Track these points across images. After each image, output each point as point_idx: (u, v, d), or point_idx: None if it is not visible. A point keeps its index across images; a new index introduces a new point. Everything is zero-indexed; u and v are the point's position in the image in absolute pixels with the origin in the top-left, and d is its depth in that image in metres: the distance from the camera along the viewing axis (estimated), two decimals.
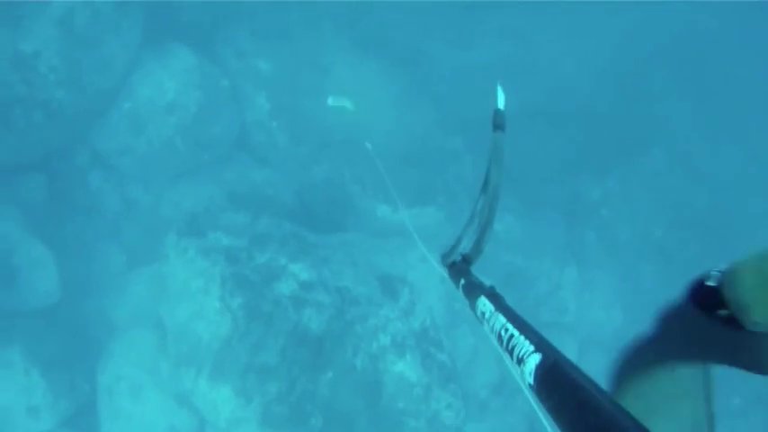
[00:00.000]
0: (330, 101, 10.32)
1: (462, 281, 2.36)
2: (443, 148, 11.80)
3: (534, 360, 1.51)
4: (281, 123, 11.05)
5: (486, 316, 1.95)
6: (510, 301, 2.01)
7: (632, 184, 13.06)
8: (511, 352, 1.66)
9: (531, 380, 1.49)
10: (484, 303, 2.03)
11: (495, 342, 1.81)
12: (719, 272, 1.56)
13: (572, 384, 1.35)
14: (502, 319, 1.82)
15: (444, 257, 2.63)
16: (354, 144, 10.85)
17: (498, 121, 2.57)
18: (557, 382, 1.40)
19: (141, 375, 9.03)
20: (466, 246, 2.48)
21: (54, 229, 9.83)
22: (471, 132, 11.89)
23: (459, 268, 2.48)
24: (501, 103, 2.59)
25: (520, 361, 1.58)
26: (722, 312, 1.55)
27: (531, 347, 1.56)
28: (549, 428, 1.41)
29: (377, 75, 11.90)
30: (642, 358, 1.91)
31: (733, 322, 1.52)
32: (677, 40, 13.64)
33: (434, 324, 9.58)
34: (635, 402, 1.84)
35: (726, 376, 1.70)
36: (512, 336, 1.69)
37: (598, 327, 11.99)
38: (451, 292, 10.06)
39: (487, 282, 2.18)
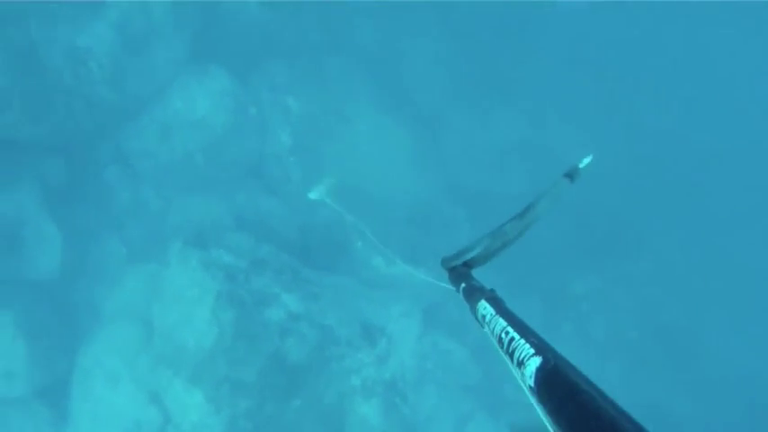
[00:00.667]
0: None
1: (463, 284, 2.43)
2: (446, 214, 12.47)
3: (535, 363, 1.56)
4: (298, 160, 11.72)
5: (487, 319, 2.02)
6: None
7: (615, 285, 13.64)
8: (511, 355, 1.71)
9: (531, 382, 1.54)
10: (484, 307, 2.10)
11: (495, 345, 1.87)
12: None
13: (572, 387, 1.41)
14: (502, 322, 1.88)
15: (446, 261, 2.70)
16: (360, 193, 11.56)
17: (573, 174, 2.69)
18: (557, 384, 1.45)
19: (119, 366, 9.47)
20: (471, 255, 2.57)
21: (65, 211, 10.40)
22: (474, 205, 12.60)
23: (460, 272, 2.57)
24: (584, 164, 2.71)
25: (520, 364, 1.63)
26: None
27: (532, 350, 1.62)
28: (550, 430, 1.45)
29: (395, 133, 12.61)
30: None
31: None
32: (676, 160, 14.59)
33: (404, 377, 10.10)
34: None
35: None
36: (512, 339, 1.75)
37: None
38: (425, 350, 10.69)
39: (488, 286, 2.28)
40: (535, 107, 14.14)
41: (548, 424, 1.46)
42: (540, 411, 1.51)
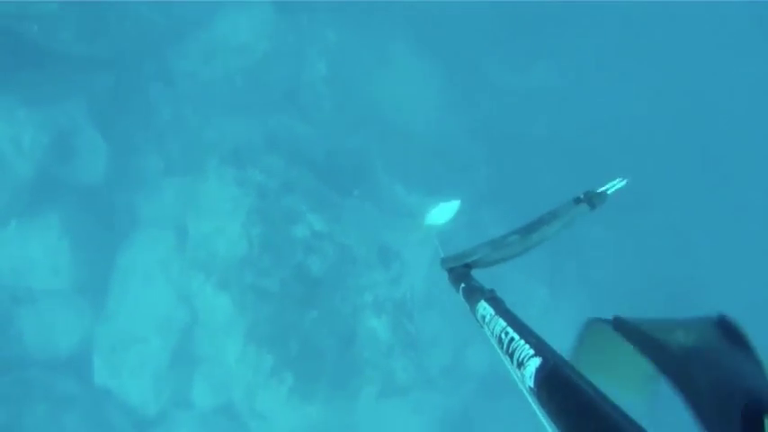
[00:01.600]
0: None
1: (462, 285, 2.44)
2: (468, 152, 13.31)
3: (534, 363, 1.57)
4: (332, 91, 12.56)
5: (487, 320, 2.04)
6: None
7: (624, 234, 14.33)
8: (511, 355, 1.73)
9: (531, 383, 1.55)
10: (484, 307, 2.11)
11: (495, 345, 1.89)
12: None
13: (572, 387, 1.42)
14: (502, 322, 1.90)
15: (445, 261, 2.74)
16: (386, 124, 12.44)
17: (595, 199, 2.63)
18: (557, 385, 1.46)
19: (155, 267, 10.56)
20: (473, 258, 2.61)
21: (111, 123, 11.36)
22: (496, 147, 13.39)
23: (460, 273, 2.58)
24: (612, 188, 2.66)
25: (520, 364, 1.64)
26: None
27: (532, 351, 1.63)
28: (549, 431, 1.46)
29: (430, 73, 13.36)
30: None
31: None
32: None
33: (412, 299, 11.11)
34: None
35: None
36: (512, 339, 1.76)
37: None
38: (436, 276, 11.65)
39: (487, 286, 2.30)
40: (571, 63, 14.63)
41: (547, 425, 1.49)
42: (539, 412, 1.55)
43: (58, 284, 10.62)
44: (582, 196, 2.63)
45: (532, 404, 1.58)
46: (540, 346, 1.65)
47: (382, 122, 12.64)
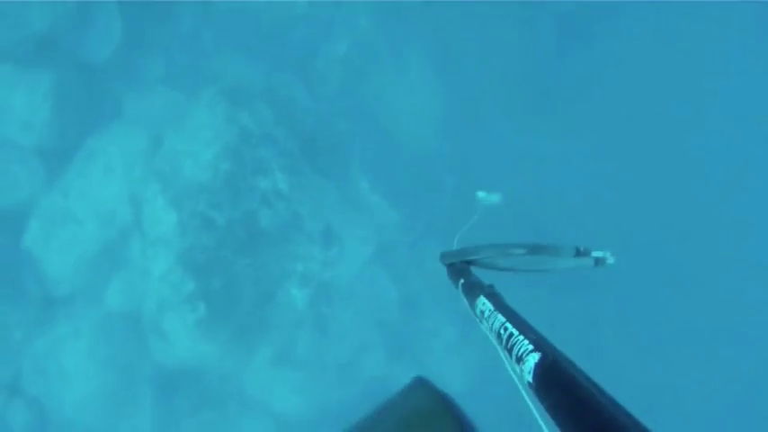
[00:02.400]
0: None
1: (462, 280, 2.51)
2: (440, 179, 13.99)
3: (533, 359, 1.59)
4: (342, 73, 13.13)
5: (486, 315, 2.07)
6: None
7: None
8: (510, 350, 1.75)
9: (530, 378, 1.58)
10: (483, 302, 2.15)
11: (494, 341, 1.93)
12: None
13: (571, 383, 1.45)
14: (501, 318, 1.93)
15: (445, 257, 2.85)
16: (378, 123, 13.08)
17: (599, 263, 2.74)
18: (556, 380, 1.49)
19: (119, 162, 11.00)
20: (473, 258, 2.69)
21: (134, 11, 11.66)
22: (467, 187, 14.04)
23: (459, 268, 2.67)
24: (611, 260, 2.74)
25: (519, 359, 1.66)
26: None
27: (531, 346, 1.66)
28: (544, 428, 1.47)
29: (439, 98, 14.03)
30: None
31: None
32: None
33: (337, 287, 11.79)
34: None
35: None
36: (511, 335, 1.79)
37: None
38: (363, 277, 12.28)
39: (486, 281, 2.37)
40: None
41: (542, 422, 1.51)
42: (534, 407, 1.57)
43: (24, 140, 11.00)
44: (583, 253, 2.73)
45: (528, 400, 1.63)
46: (539, 342, 1.69)
47: (375, 121, 13.23)
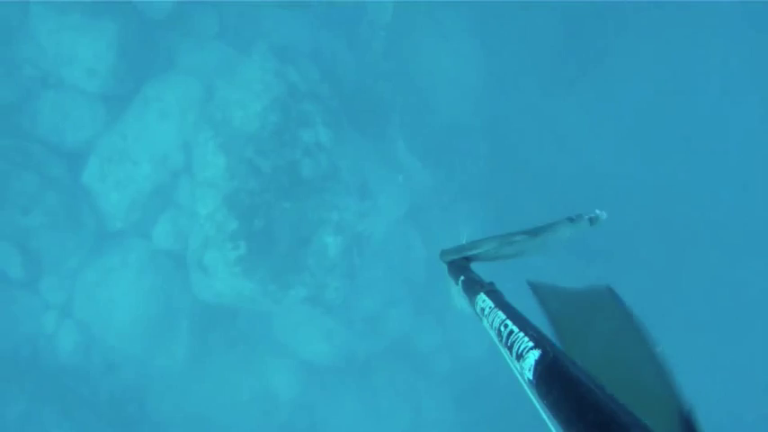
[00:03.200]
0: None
1: (462, 277, 2.51)
2: (476, 144, 14.82)
3: (534, 356, 1.63)
4: (387, 38, 13.95)
5: (486, 312, 2.09)
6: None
7: None
8: (510, 348, 1.79)
9: (530, 375, 1.62)
10: (483, 300, 2.17)
11: (494, 338, 1.95)
12: None
13: (571, 380, 1.48)
14: (501, 315, 1.96)
15: (445, 254, 2.84)
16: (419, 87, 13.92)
17: (593, 220, 2.71)
18: (556, 377, 1.52)
19: (174, 108, 12.00)
20: (473, 253, 2.71)
21: None
22: (503, 152, 14.86)
23: (459, 265, 2.66)
24: (604, 216, 2.72)
25: (519, 357, 1.70)
26: None
27: (531, 343, 1.70)
28: (549, 424, 1.52)
29: (478, 68, 14.84)
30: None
31: None
32: None
33: (368, 240, 12.68)
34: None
35: None
36: (511, 332, 1.83)
37: None
38: (395, 232, 13.16)
39: (486, 279, 2.37)
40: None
41: (547, 418, 1.56)
42: (537, 404, 1.61)
43: (88, 85, 11.97)
44: (576, 216, 2.73)
45: (531, 396, 1.66)
46: (539, 339, 1.70)
47: (415, 85, 14.11)
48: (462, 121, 14.78)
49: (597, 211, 2.74)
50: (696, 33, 16.17)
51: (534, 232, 2.68)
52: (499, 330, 1.92)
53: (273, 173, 11.23)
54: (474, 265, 2.68)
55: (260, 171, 11.20)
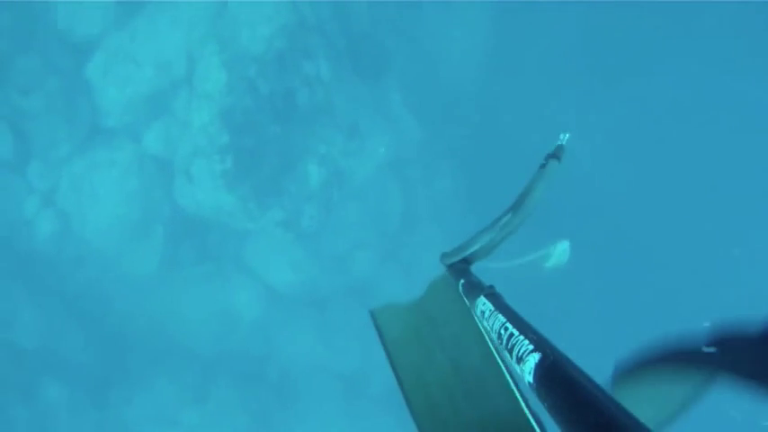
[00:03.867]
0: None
1: (462, 281, 2.51)
2: (467, 114, 15.33)
3: (534, 359, 1.61)
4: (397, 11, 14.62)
5: (486, 315, 2.09)
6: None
7: None
8: (510, 351, 1.77)
9: (530, 378, 1.59)
10: (483, 303, 2.18)
11: (495, 341, 1.95)
12: None
13: (572, 383, 1.46)
14: (501, 318, 1.95)
15: (445, 257, 2.81)
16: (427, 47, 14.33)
17: (558, 153, 2.73)
18: (556, 380, 1.51)
19: (184, 17, 12.45)
20: (471, 251, 2.70)
21: None
22: (493, 128, 15.36)
23: (459, 268, 2.68)
24: (564, 140, 2.73)
25: (519, 360, 1.69)
26: None
27: (531, 346, 1.68)
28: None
29: (493, 46, 15.31)
30: (682, 357, 2.14)
31: None
32: None
33: (348, 180, 13.28)
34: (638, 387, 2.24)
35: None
36: (511, 335, 1.81)
37: None
38: (374, 180, 13.64)
39: (486, 282, 2.37)
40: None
41: (534, 424, 1.59)
42: (527, 409, 1.67)
43: None
44: (544, 161, 2.74)
45: (523, 402, 1.71)
46: (539, 342, 1.70)
47: (422, 45, 14.62)
48: (460, 87, 15.27)
49: (559, 140, 2.78)
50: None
51: (516, 205, 2.70)
52: (499, 333, 1.92)
53: (270, 96, 11.74)
54: (472, 265, 2.72)
55: (258, 92, 11.71)
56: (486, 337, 2.19)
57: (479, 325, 2.24)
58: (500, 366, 2.17)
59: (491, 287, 2.31)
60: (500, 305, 2.09)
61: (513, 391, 2.05)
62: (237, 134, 11.66)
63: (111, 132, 12.68)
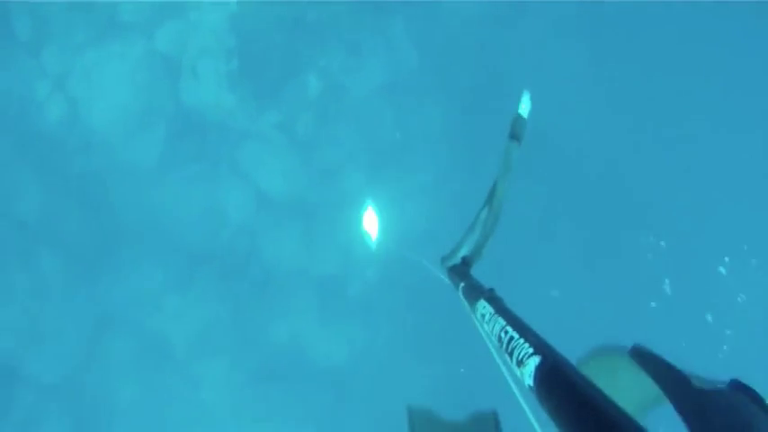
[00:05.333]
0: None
1: (462, 284, 2.65)
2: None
3: (534, 362, 1.69)
4: None
5: (486, 318, 2.20)
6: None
7: None
8: (511, 354, 1.86)
9: (530, 381, 1.67)
10: (484, 306, 2.30)
11: (495, 344, 2.03)
12: None
13: (571, 385, 1.52)
14: (502, 321, 2.05)
15: (445, 260, 2.99)
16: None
17: (517, 130, 2.81)
18: (556, 383, 1.57)
19: None
20: (466, 250, 2.85)
21: None
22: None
23: (459, 271, 2.81)
24: (525, 112, 2.81)
25: (520, 363, 1.77)
26: None
27: (531, 349, 1.76)
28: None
29: None
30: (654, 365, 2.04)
31: None
32: None
33: (342, 98, 14.12)
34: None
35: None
36: (511, 338, 1.91)
37: None
38: (375, 104, 14.45)
39: (486, 285, 2.50)
40: None
41: (536, 425, 1.65)
42: (528, 412, 1.72)
43: None
44: (511, 131, 2.79)
45: (523, 404, 1.77)
46: (539, 345, 1.78)
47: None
48: (466, 31, 15.61)
49: (521, 103, 2.86)
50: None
51: (488, 199, 2.85)
52: (500, 336, 1.97)
53: (281, 4, 12.70)
54: (472, 268, 2.79)
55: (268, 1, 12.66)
56: (487, 340, 2.18)
57: (479, 328, 2.26)
58: None
59: (491, 290, 2.43)
60: (500, 308, 2.21)
61: None
62: (245, 39, 12.58)
63: (126, 27, 13.52)
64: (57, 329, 13.64)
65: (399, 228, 15.36)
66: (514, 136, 2.83)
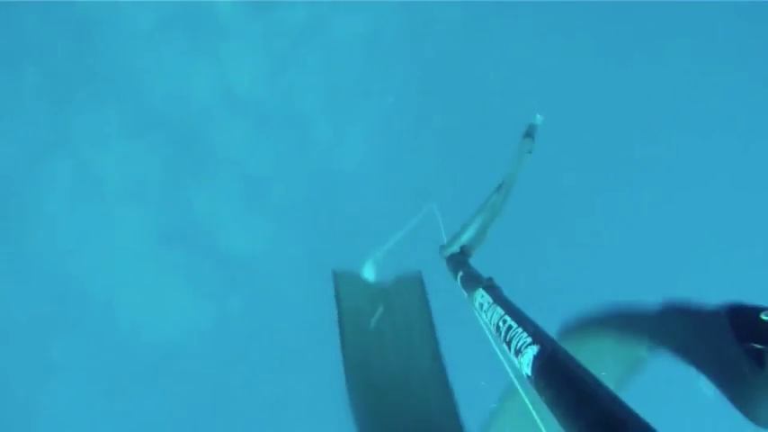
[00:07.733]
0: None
1: (460, 273, 2.69)
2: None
3: (532, 351, 1.70)
4: None
5: (485, 308, 2.22)
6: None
7: None
8: (509, 343, 1.87)
9: (528, 371, 1.67)
10: (482, 295, 2.32)
11: (493, 333, 2.05)
12: None
13: (570, 375, 1.53)
14: (500, 310, 2.07)
15: (443, 249, 3.05)
16: None
17: (531, 132, 2.95)
18: (555, 372, 1.58)
19: None
20: (466, 238, 2.91)
21: None
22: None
23: (458, 260, 2.87)
24: (539, 120, 2.96)
25: (518, 352, 1.77)
26: (756, 346, 1.56)
27: (529, 339, 1.77)
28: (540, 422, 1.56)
29: None
30: (626, 322, 2.12)
31: (759, 359, 1.55)
32: None
33: (332, 40, 14.63)
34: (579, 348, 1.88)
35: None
36: (510, 327, 1.92)
37: None
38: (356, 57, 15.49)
39: (485, 274, 2.50)
40: None
41: (535, 415, 1.66)
42: (527, 400, 1.73)
43: None
44: (527, 130, 2.93)
45: (522, 392, 1.83)
46: (537, 334, 1.80)
47: None
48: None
49: (537, 118, 2.95)
50: None
51: (500, 186, 2.92)
52: (498, 326, 2.02)
53: None
54: (470, 257, 2.80)
55: None
56: (486, 329, 2.19)
57: (478, 318, 2.30)
58: (446, 378, 2.28)
59: (490, 279, 2.49)
60: (498, 298, 2.26)
61: (454, 405, 2.12)
62: None
63: None
64: None
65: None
66: (529, 135, 3.03)
